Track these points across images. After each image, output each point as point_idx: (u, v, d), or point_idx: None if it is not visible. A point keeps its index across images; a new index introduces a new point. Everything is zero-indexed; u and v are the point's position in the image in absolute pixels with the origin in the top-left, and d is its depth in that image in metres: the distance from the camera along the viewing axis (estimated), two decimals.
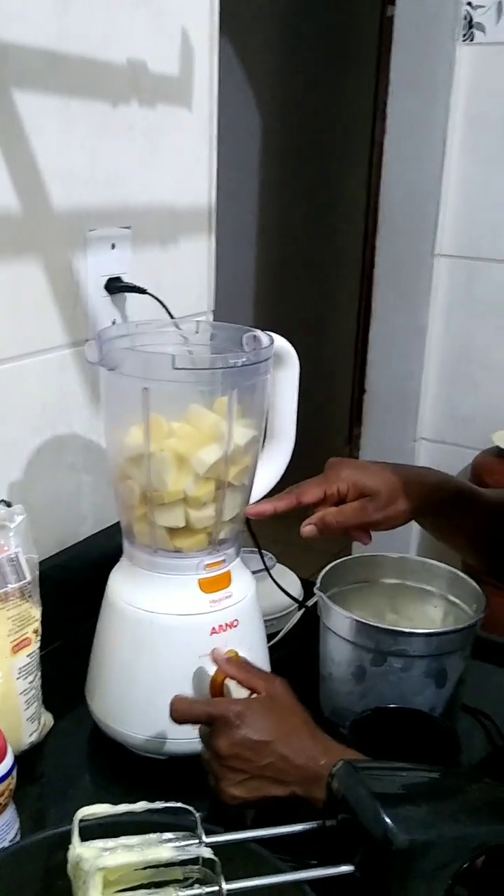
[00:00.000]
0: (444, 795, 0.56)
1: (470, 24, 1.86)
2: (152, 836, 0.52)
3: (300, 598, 1.09)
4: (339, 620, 0.88)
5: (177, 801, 0.57)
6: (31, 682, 0.83)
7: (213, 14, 1.11)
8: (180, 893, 0.49)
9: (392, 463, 0.90)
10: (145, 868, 0.51)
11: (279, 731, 0.69)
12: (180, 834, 0.53)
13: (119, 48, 0.98)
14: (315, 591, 0.91)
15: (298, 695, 0.74)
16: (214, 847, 0.53)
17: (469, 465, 2.04)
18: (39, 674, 0.84)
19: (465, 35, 1.87)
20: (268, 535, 1.05)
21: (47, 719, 0.88)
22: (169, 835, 0.53)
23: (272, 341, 0.82)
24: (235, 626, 0.83)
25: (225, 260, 2.66)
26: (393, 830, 0.51)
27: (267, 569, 1.06)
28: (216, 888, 0.50)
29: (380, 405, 2.21)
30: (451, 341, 2.08)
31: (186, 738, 0.80)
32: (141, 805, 0.54)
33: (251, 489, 0.86)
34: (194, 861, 0.52)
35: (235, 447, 0.79)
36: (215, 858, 0.50)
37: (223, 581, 0.83)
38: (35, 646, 0.83)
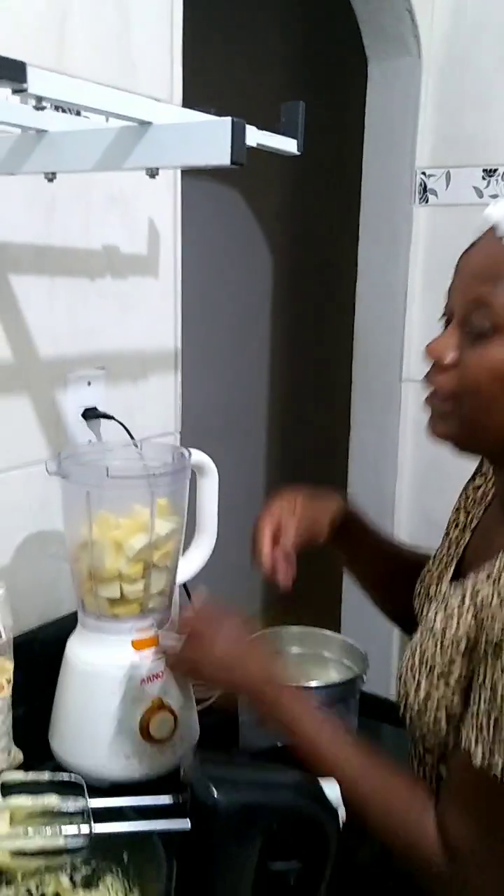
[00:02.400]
0: (263, 781, 0.78)
1: (424, 189, 2.20)
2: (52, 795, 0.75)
3: None
4: None
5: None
6: (3, 720, 1.07)
7: (175, 204, 1.44)
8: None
9: None
10: (43, 814, 0.74)
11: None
12: (73, 796, 0.76)
13: (96, 238, 1.30)
14: None
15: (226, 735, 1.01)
16: (98, 810, 0.76)
17: None
18: (10, 715, 1.08)
19: (420, 198, 2.20)
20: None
21: (16, 753, 1.11)
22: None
23: (189, 456, 1.09)
24: (161, 678, 1.07)
25: (242, 379, 2.97)
26: (215, 795, 0.74)
27: None
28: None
29: None
30: (421, 454, 2.33)
31: (121, 768, 1.03)
32: (47, 775, 0.77)
33: (176, 570, 1.11)
34: (79, 813, 0.75)
35: (157, 536, 1.05)
36: (88, 808, 0.74)
37: (151, 641, 1.08)
38: (7, 691, 1.07)
